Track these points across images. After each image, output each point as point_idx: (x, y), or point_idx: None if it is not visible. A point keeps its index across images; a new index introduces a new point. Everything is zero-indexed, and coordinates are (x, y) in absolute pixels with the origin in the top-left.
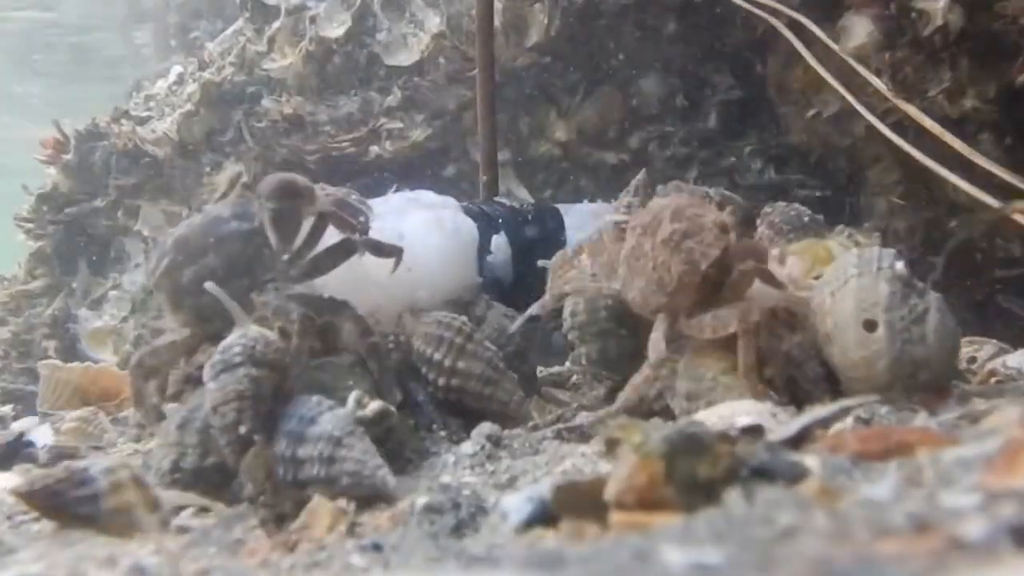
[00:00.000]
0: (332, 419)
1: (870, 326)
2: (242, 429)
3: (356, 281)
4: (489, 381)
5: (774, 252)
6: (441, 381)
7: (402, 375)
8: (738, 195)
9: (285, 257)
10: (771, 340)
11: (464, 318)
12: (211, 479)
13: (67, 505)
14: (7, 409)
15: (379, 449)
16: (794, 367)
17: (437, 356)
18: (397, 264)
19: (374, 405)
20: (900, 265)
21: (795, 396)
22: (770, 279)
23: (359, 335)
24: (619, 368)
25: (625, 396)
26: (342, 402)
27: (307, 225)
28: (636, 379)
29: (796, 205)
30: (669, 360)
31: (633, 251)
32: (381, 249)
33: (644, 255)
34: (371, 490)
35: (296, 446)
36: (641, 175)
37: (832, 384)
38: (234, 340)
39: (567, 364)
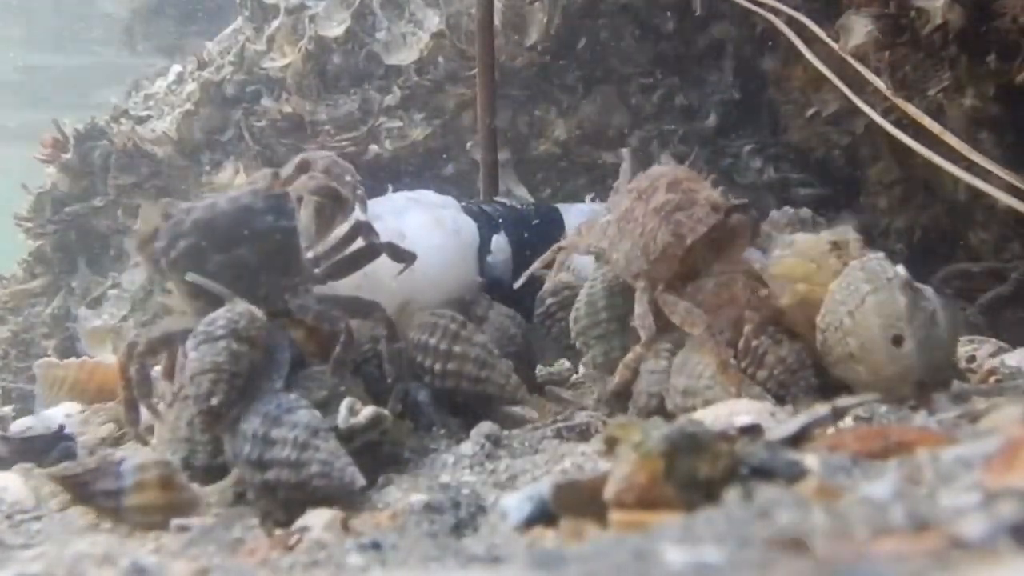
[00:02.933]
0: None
1: (898, 341)
2: (214, 400)
3: (358, 280)
4: (485, 364)
5: (756, 265)
6: (438, 366)
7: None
8: (739, 193)
9: (310, 255)
10: (770, 344)
11: (455, 314)
12: (221, 477)
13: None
14: (7, 410)
15: (376, 452)
16: (789, 373)
17: (433, 341)
18: (405, 269)
19: (367, 411)
20: (902, 269)
21: (783, 402)
22: (756, 279)
23: (385, 339)
24: None
25: (618, 374)
26: (334, 409)
27: (340, 230)
28: (628, 357)
29: (804, 210)
30: (661, 347)
31: (625, 214)
32: (400, 254)
33: (635, 219)
34: (339, 487)
35: (264, 447)
36: (624, 166)
37: (824, 396)
38: (220, 313)
39: (566, 364)
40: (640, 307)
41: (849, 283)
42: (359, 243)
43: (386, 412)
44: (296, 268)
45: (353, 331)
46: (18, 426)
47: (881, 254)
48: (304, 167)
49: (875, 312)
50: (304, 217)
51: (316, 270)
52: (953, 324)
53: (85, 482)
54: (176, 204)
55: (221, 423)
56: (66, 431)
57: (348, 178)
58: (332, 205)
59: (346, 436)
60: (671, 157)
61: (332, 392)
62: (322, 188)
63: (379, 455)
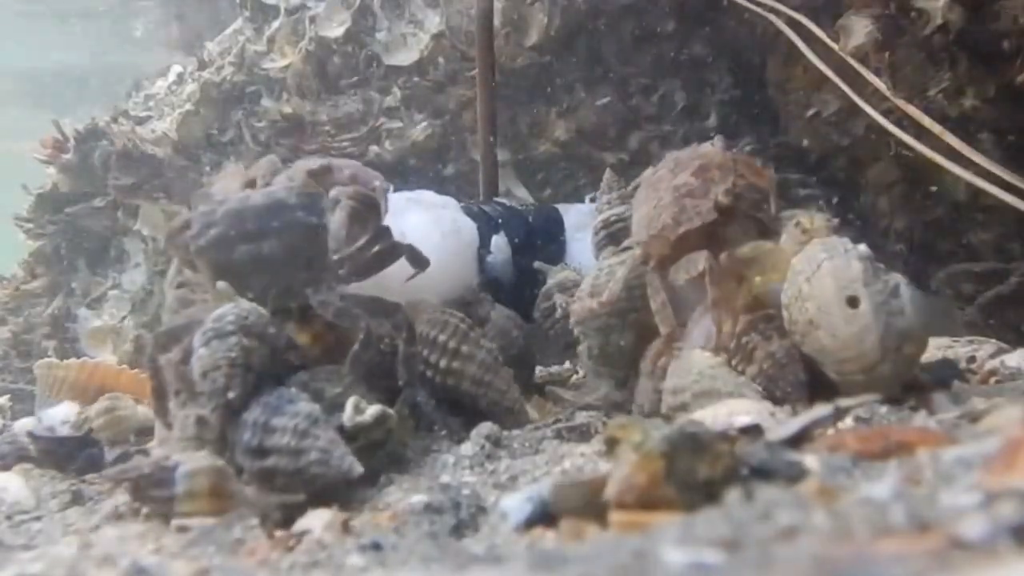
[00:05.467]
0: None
1: (853, 302)
2: (230, 395)
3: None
4: (490, 369)
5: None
6: (443, 363)
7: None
8: None
9: (336, 256)
10: (759, 340)
11: (465, 315)
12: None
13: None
14: (4, 400)
15: (380, 452)
16: (777, 368)
17: (442, 337)
18: (416, 275)
19: (372, 410)
20: (863, 247)
21: (772, 399)
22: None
23: (403, 342)
24: (620, 365)
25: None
26: (339, 408)
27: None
28: (585, 304)
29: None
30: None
31: (656, 180)
32: (417, 258)
33: (658, 189)
34: (337, 475)
35: (264, 434)
36: (608, 173)
37: (812, 391)
38: (227, 310)
39: (566, 364)
40: (622, 271)
41: (807, 254)
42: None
43: (391, 412)
44: (321, 266)
45: (372, 331)
46: (20, 427)
47: (847, 239)
48: (326, 172)
49: (830, 274)
50: (337, 219)
51: (340, 271)
52: (924, 304)
53: (139, 486)
54: (209, 193)
55: (238, 417)
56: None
57: (377, 183)
58: (366, 211)
59: (351, 434)
60: (723, 139)
61: (346, 390)
62: (360, 194)
63: (383, 454)
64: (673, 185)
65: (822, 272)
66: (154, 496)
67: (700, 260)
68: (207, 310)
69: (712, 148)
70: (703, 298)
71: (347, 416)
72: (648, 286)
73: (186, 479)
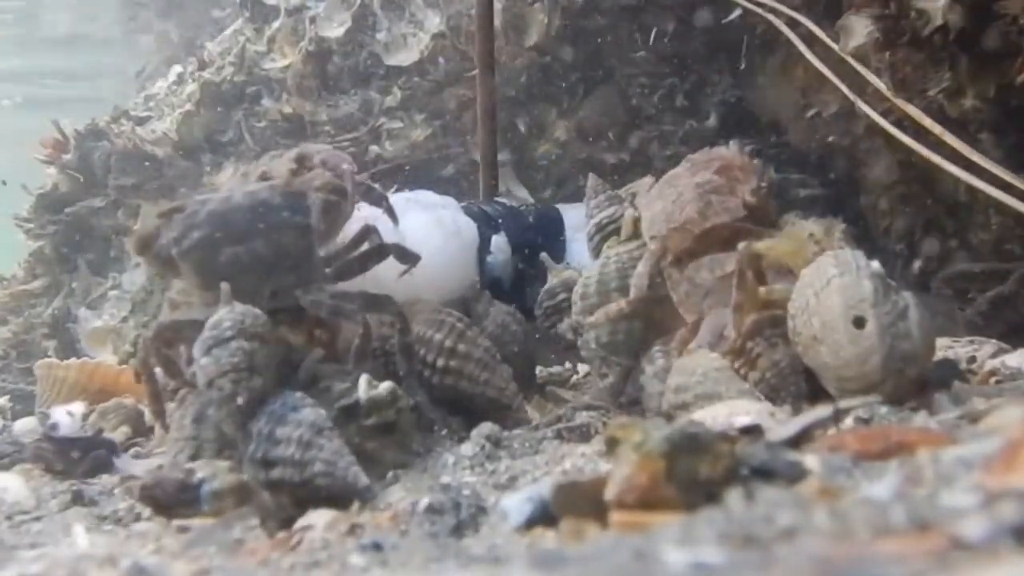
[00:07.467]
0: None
1: (859, 323)
2: (240, 400)
3: (360, 281)
4: (487, 367)
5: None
6: (440, 362)
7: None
8: None
9: (321, 254)
10: (764, 347)
11: (462, 315)
12: None
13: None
14: (4, 401)
15: (390, 434)
16: (780, 377)
17: (439, 337)
18: (408, 270)
19: (385, 385)
20: (876, 264)
21: (775, 405)
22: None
23: (398, 332)
24: (626, 353)
25: (602, 312)
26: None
27: (350, 230)
28: (611, 308)
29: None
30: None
31: (671, 178)
32: (407, 255)
33: (675, 186)
34: (343, 486)
35: (269, 445)
36: (591, 179)
37: (812, 402)
38: (223, 315)
39: (567, 364)
40: (643, 267)
41: (818, 267)
42: (367, 245)
43: (402, 392)
44: (309, 265)
45: (369, 324)
46: (21, 427)
47: (860, 252)
48: (302, 160)
49: (838, 292)
50: (313, 214)
51: (327, 270)
52: (930, 326)
53: (162, 503)
54: (190, 196)
55: (249, 421)
56: (104, 436)
57: (345, 167)
58: (336, 200)
59: (366, 411)
60: (738, 142)
61: (353, 385)
62: (326, 184)
63: (393, 439)
64: (694, 182)
65: (831, 288)
66: (177, 512)
67: (729, 261)
68: (195, 312)
69: (729, 151)
70: (712, 297)
71: (362, 390)
72: (668, 279)
73: (212, 500)
